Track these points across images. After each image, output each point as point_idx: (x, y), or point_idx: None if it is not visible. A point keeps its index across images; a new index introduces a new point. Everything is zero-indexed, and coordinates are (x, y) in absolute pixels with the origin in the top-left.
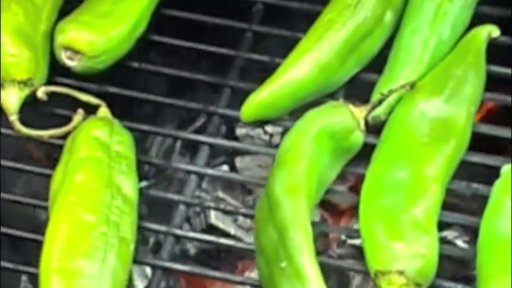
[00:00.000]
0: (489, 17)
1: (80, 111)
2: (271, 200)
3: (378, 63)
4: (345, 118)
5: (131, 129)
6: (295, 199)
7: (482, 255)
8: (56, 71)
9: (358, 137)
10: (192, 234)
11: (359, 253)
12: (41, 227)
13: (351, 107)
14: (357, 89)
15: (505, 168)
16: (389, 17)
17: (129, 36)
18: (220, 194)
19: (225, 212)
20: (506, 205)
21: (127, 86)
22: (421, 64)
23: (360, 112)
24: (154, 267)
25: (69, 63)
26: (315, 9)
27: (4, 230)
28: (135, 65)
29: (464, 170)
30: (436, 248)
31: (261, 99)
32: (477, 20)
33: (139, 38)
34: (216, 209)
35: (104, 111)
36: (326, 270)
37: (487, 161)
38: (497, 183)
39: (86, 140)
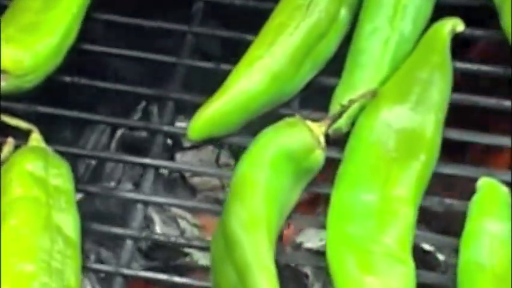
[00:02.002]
0: (452, 8)
1: (10, 141)
2: (228, 238)
3: (334, 64)
4: (303, 137)
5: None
6: (255, 236)
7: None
8: None
9: (319, 156)
10: (142, 273)
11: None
12: None
13: (308, 123)
14: (314, 96)
15: (482, 182)
16: (344, 14)
17: (59, 48)
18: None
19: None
20: (485, 229)
21: (58, 103)
22: (382, 67)
23: (319, 128)
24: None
25: None
26: (261, 6)
27: None
28: (67, 79)
29: (435, 183)
30: (412, 280)
31: (209, 115)
32: (439, 10)
33: (69, 48)
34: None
35: (36, 138)
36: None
37: (461, 172)
38: (474, 200)
39: (19, 176)
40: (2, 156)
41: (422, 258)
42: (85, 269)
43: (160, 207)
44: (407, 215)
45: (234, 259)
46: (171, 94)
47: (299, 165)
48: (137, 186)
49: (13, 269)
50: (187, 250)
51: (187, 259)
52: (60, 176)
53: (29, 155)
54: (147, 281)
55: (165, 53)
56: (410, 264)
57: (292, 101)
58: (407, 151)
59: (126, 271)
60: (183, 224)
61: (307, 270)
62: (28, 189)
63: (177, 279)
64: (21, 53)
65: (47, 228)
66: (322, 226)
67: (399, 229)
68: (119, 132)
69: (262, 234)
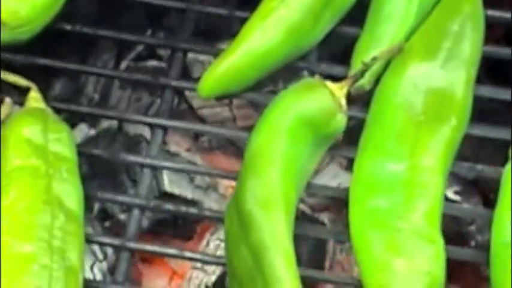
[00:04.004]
0: None
1: (8, 101)
2: (243, 216)
3: (355, 12)
4: (324, 101)
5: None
6: (272, 215)
7: (495, 266)
8: None
9: (341, 121)
10: (150, 247)
11: None
12: None
13: (329, 84)
14: (332, 47)
15: None
16: None
17: None
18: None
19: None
20: None
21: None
22: (408, 18)
23: (340, 90)
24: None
25: None
26: None
27: None
28: (67, 27)
29: (465, 147)
30: (442, 260)
31: (221, 71)
32: None
33: None
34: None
35: (34, 97)
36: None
37: (493, 135)
38: (508, 169)
39: (16, 144)
40: None
41: (452, 232)
42: (88, 243)
43: (168, 153)
44: (437, 186)
45: (249, 239)
46: (181, 44)
47: (319, 132)
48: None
49: (10, 249)
50: (196, 199)
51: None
52: (60, 141)
53: (27, 119)
54: (156, 254)
55: None
56: (440, 242)
57: (310, 53)
58: (437, 114)
59: (133, 245)
60: None
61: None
62: (26, 158)
63: (188, 254)
64: (16, 4)
65: (47, 202)
66: None
67: (428, 203)
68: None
69: (280, 212)
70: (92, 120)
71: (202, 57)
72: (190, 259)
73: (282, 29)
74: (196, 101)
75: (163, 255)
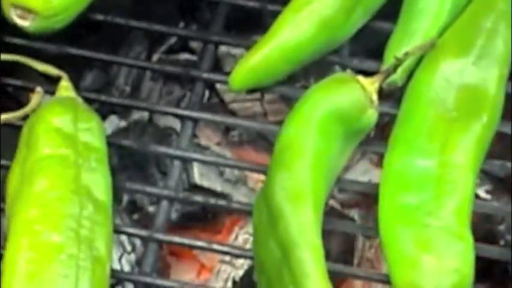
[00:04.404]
0: None
1: (38, 90)
2: (272, 209)
3: (388, 7)
4: (355, 96)
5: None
6: (301, 209)
7: None
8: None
9: (372, 116)
10: (179, 239)
11: None
12: None
13: (360, 79)
14: (365, 41)
15: None
16: None
17: None
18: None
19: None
20: None
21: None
22: (441, 14)
23: (371, 84)
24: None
25: (21, 22)
26: None
27: None
28: (100, 17)
29: (496, 144)
30: (471, 257)
31: (253, 64)
32: None
33: None
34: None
35: (65, 86)
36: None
37: None
38: None
39: (46, 132)
40: (30, 106)
41: (482, 230)
42: (116, 233)
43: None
44: (467, 183)
45: (277, 233)
46: (212, 37)
47: (350, 127)
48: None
49: (39, 238)
50: (226, 192)
51: (225, 202)
52: (90, 131)
53: (57, 108)
54: (185, 246)
55: None
56: (469, 239)
57: (342, 48)
58: (468, 111)
59: (161, 236)
60: None
61: (355, 214)
62: (55, 147)
63: (217, 246)
64: None
65: (76, 191)
66: None
67: (458, 200)
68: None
69: (309, 206)
70: (123, 112)
71: (234, 50)
72: (219, 252)
73: (314, 22)
74: (227, 95)
75: (192, 247)
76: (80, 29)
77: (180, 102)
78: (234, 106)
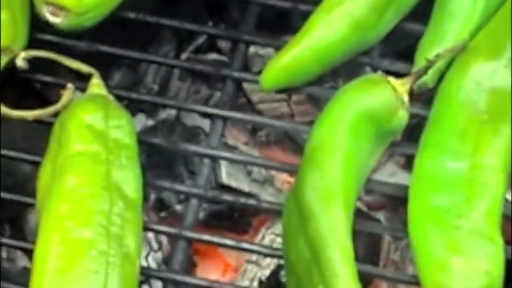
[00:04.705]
0: None
1: (70, 87)
2: (302, 209)
3: (419, 9)
4: (386, 97)
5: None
6: (331, 209)
7: None
8: (36, 25)
9: (403, 117)
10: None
11: None
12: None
13: (391, 80)
14: (396, 44)
15: None
16: None
17: None
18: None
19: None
20: None
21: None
22: (473, 16)
23: (402, 86)
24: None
25: (53, 19)
26: None
27: None
28: (131, 15)
29: None
30: (501, 260)
31: (284, 64)
32: None
33: None
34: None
35: (96, 83)
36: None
37: None
38: None
39: (77, 129)
40: (61, 103)
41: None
42: (145, 230)
43: (226, 146)
44: (498, 186)
45: (308, 233)
46: (243, 36)
47: (380, 128)
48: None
49: (69, 234)
50: (253, 192)
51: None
52: (121, 128)
53: (88, 105)
54: (214, 244)
55: None
56: (499, 242)
57: (373, 49)
58: (500, 113)
59: (190, 234)
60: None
61: (381, 216)
62: (86, 144)
63: (246, 245)
64: None
65: (106, 188)
66: None
67: (488, 202)
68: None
69: (339, 207)
70: (150, 110)
71: (262, 51)
72: (249, 251)
73: (346, 23)
74: (255, 95)
75: (220, 245)
76: (107, 27)
77: (207, 102)
78: (261, 106)
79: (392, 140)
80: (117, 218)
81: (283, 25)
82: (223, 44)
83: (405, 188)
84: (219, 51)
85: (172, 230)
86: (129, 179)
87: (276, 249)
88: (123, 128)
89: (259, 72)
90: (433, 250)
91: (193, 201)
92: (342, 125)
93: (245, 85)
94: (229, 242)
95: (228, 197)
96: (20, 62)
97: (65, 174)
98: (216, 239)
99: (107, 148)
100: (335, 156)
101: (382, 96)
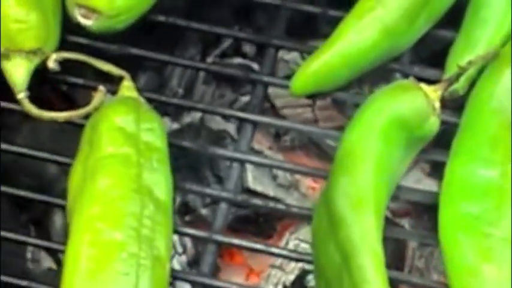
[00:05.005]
0: None
1: (101, 89)
2: (333, 215)
3: (450, 15)
4: (418, 103)
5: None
6: (363, 215)
7: None
8: (68, 28)
9: (434, 124)
10: (238, 241)
11: None
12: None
13: (423, 87)
14: (426, 50)
15: None
16: None
17: None
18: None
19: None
20: None
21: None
22: (505, 23)
23: (434, 92)
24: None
25: (84, 21)
26: None
27: (5, 189)
28: (161, 18)
29: None
30: None
31: (314, 70)
32: None
33: None
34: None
35: (127, 86)
36: None
37: None
38: None
39: (109, 131)
40: (92, 104)
41: None
42: (175, 233)
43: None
44: None
45: (338, 238)
46: (272, 40)
47: (411, 134)
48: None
49: (101, 237)
50: (278, 197)
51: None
52: (152, 131)
53: (120, 108)
54: (243, 248)
55: None
56: None
57: (403, 55)
58: None
59: (220, 238)
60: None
61: (405, 223)
62: (118, 146)
63: (275, 250)
64: None
65: (138, 190)
66: None
67: None
68: None
69: (370, 213)
70: (175, 114)
71: (288, 56)
72: (277, 255)
73: (377, 29)
74: (279, 100)
75: (249, 249)
76: (134, 30)
77: (231, 106)
78: (285, 111)
79: (422, 146)
80: (148, 220)
81: (310, 30)
82: (248, 49)
83: (430, 195)
84: (244, 55)
85: (202, 234)
86: (159, 182)
87: (305, 253)
88: (155, 131)
89: (285, 77)
90: (463, 257)
91: (223, 205)
92: (373, 130)
93: (270, 90)
94: (258, 246)
95: (257, 201)
96: (52, 64)
97: (96, 176)
98: (245, 243)
99: (138, 151)
100: (366, 162)
101: (413, 102)
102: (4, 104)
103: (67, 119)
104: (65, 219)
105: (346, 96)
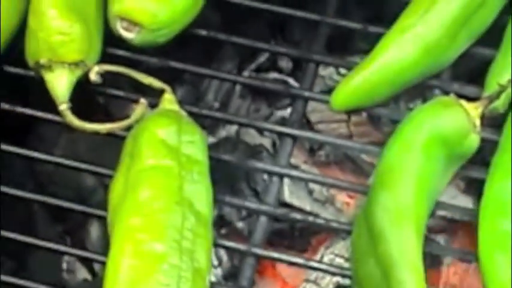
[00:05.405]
0: None
1: (142, 102)
2: (373, 230)
3: (490, 34)
4: (459, 120)
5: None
6: (403, 230)
7: None
8: (109, 40)
9: (474, 141)
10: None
11: None
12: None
13: (464, 103)
14: (465, 67)
15: None
16: None
17: (195, 2)
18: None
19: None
20: None
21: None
22: None
23: (475, 109)
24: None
25: (126, 35)
26: None
27: (42, 198)
28: (203, 33)
29: None
30: None
31: (355, 86)
32: None
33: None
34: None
35: (169, 99)
36: None
37: None
38: None
39: (151, 143)
40: (134, 117)
41: None
42: (214, 246)
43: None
44: None
45: (378, 253)
46: (313, 56)
47: (452, 151)
48: None
49: (142, 248)
50: (314, 212)
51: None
52: (193, 144)
53: (162, 120)
54: (283, 262)
55: (308, 10)
56: None
57: (443, 72)
58: None
59: (259, 251)
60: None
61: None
62: (159, 158)
63: (315, 264)
64: (156, 6)
65: (179, 202)
66: None
67: None
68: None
69: (411, 228)
70: (211, 127)
71: (324, 71)
72: (316, 269)
73: (418, 46)
74: (314, 115)
75: (289, 263)
76: (170, 43)
77: (267, 120)
78: (320, 127)
79: (461, 163)
80: (189, 232)
81: (348, 46)
82: (284, 64)
83: (465, 212)
84: (279, 70)
85: (241, 247)
86: (200, 194)
87: (343, 268)
88: (196, 144)
89: (322, 92)
90: (501, 274)
91: (263, 219)
92: (414, 146)
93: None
94: (298, 260)
95: (296, 216)
96: (94, 76)
97: (137, 188)
98: (284, 257)
99: (179, 163)
100: (407, 177)
101: (454, 119)
102: (43, 115)
103: (109, 130)
104: (101, 230)
105: (381, 112)
